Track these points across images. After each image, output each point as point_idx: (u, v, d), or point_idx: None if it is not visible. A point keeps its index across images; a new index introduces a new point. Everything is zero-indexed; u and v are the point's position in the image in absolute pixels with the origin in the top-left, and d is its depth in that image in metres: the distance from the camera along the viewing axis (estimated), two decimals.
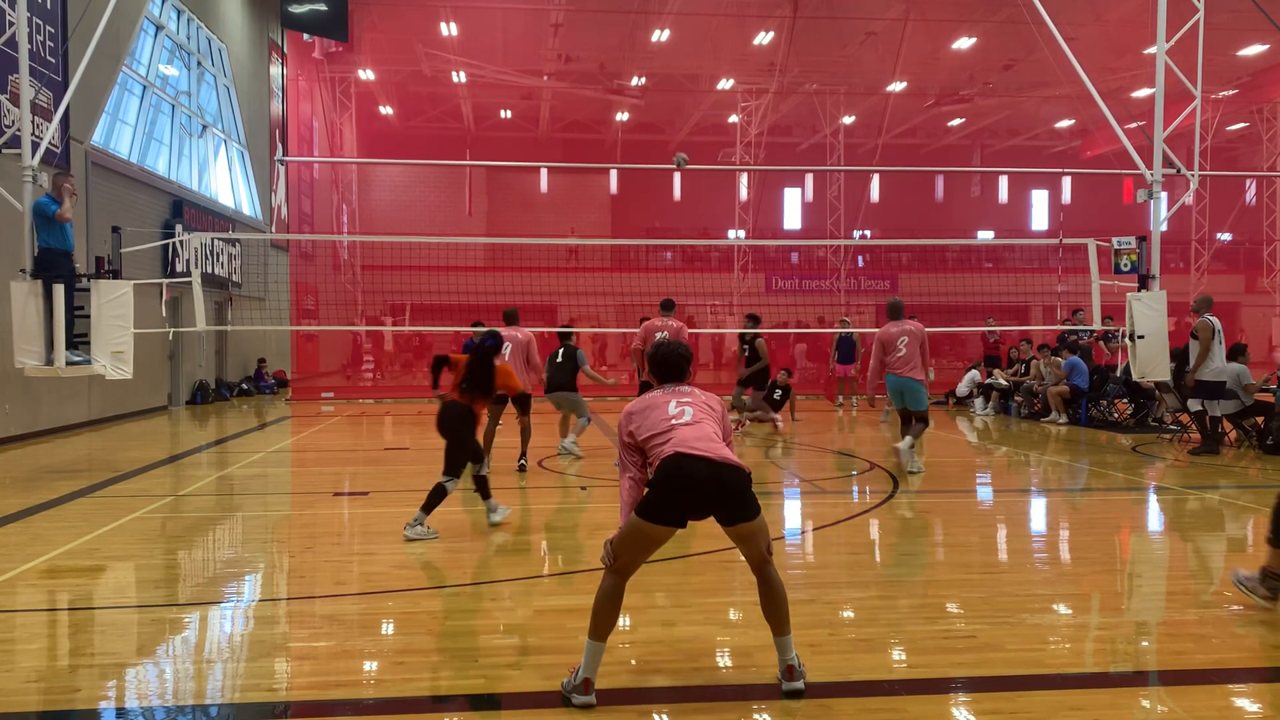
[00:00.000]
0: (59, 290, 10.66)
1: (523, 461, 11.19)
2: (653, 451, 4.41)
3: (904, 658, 4.90)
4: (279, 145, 26.38)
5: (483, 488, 8.04)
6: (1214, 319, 12.66)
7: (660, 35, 27.69)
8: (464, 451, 7.74)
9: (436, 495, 7.58)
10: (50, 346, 10.79)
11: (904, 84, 31.86)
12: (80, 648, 5.14)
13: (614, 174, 39.98)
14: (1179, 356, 13.12)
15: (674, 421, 4.45)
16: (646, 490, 4.36)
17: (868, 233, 37.05)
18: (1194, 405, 13.08)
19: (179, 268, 19.12)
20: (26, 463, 12.17)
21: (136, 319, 11.73)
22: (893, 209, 39.46)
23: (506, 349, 10.92)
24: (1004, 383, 19.07)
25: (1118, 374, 15.96)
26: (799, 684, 4.32)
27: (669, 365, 4.69)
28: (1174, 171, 12.84)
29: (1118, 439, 14.51)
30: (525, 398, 10.97)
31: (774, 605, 4.39)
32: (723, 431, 4.60)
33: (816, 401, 22.40)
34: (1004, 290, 27.60)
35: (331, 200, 34.63)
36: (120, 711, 4.29)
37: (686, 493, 4.24)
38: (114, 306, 11.35)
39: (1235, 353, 13.26)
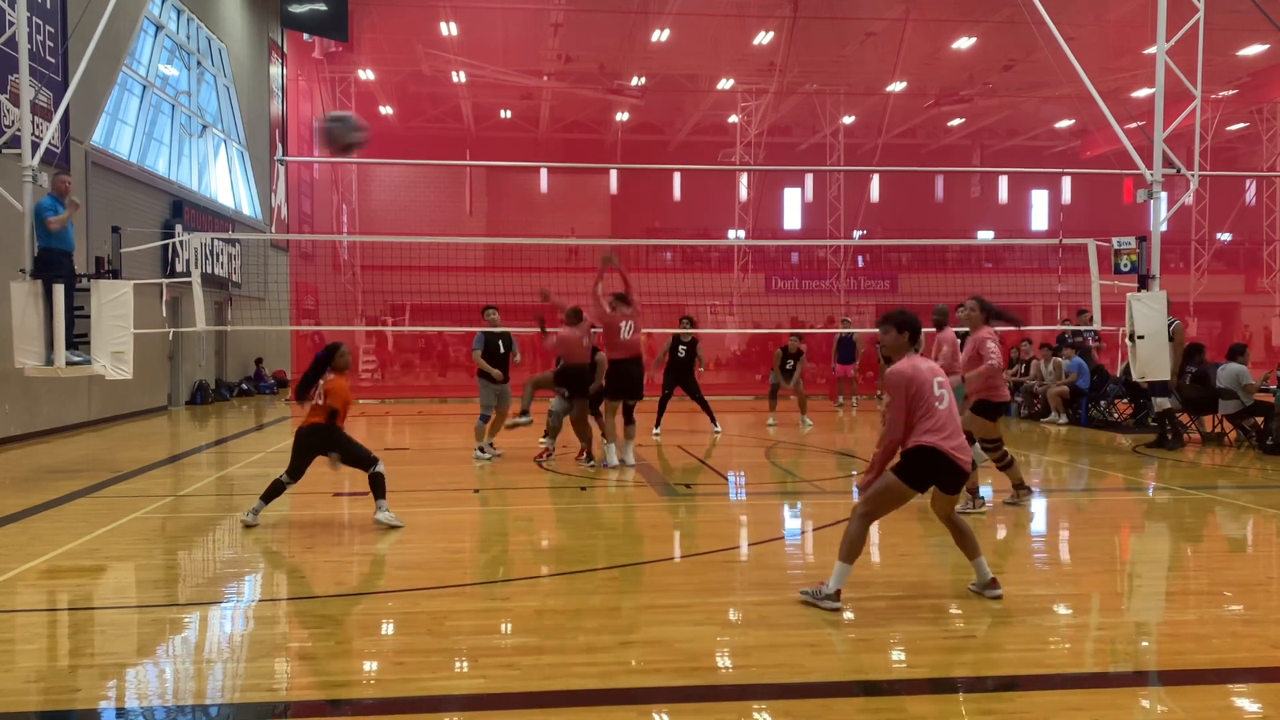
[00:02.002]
0: (59, 290, 10.66)
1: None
2: (918, 426, 5.52)
3: (904, 658, 4.90)
4: (279, 145, 26.38)
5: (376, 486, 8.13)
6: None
7: (660, 35, 27.69)
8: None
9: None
10: (50, 347, 10.78)
11: (904, 84, 31.86)
12: (80, 648, 5.14)
13: (614, 174, 39.98)
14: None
15: (937, 405, 5.55)
16: (902, 458, 5.58)
17: (866, 232, 37.04)
18: (1162, 403, 13.25)
19: (179, 268, 19.12)
20: (26, 463, 12.17)
21: (136, 319, 11.73)
22: (892, 209, 39.45)
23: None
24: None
25: (1118, 374, 15.96)
26: (999, 591, 5.77)
27: (919, 328, 5.74)
28: (1174, 171, 12.83)
29: (1117, 439, 14.51)
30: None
31: (966, 540, 5.88)
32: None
33: (818, 402, 22.39)
34: (1004, 290, 27.57)
35: (331, 200, 34.63)
36: (120, 711, 4.29)
37: (938, 478, 5.60)
38: (114, 306, 11.35)
39: (1234, 353, 13.27)
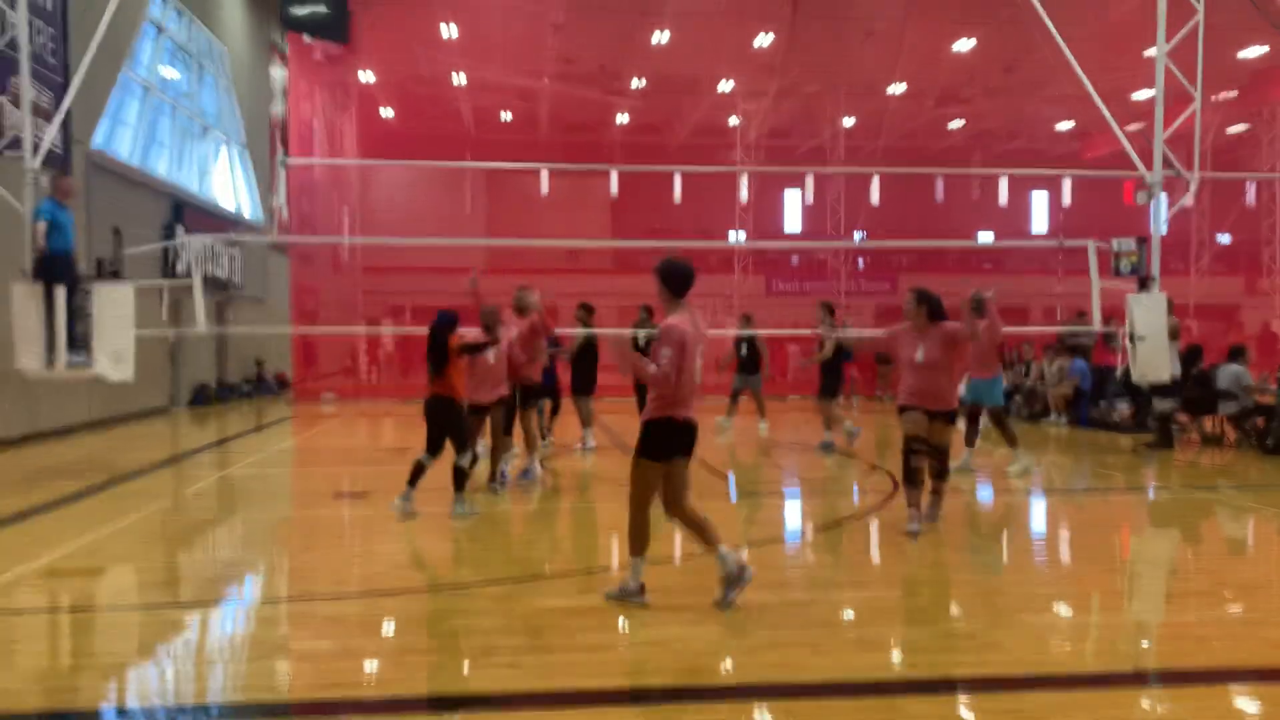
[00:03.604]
0: (59, 292, 10.67)
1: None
2: (666, 394, 5.49)
3: (904, 658, 4.90)
4: (280, 147, 26.39)
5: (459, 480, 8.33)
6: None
7: (660, 37, 27.70)
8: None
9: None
10: (51, 348, 10.78)
11: (904, 86, 31.86)
12: (80, 648, 5.15)
13: (614, 176, 39.95)
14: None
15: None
16: (641, 434, 5.57)
17: (867, 235, 37.03)
18: (1161, 405, 13.27)
19: (180, 270, 19.11)
20: (26, 463, 12.17)
21: (137, 320, 11.72)
22: (893, 211, 39.40)
23: None
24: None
25: (1118, 375, 15.96)
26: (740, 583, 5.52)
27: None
28: (1174, 173, 12.84)
29: (1118, 440, 14.51)
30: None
31: (706, 532, 5.63)
32: None
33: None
34: (1004, 291, 27.52)
35: (332, 202, 34.64)
36: (120, 711, 4.29)
37: (678, 446, 5.59)
38: (115, 308, 11.35)
39: (1235, 354, 13.27)
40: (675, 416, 5.50)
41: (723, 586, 5.50)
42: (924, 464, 7.63)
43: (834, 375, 13.49)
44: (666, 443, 5.52)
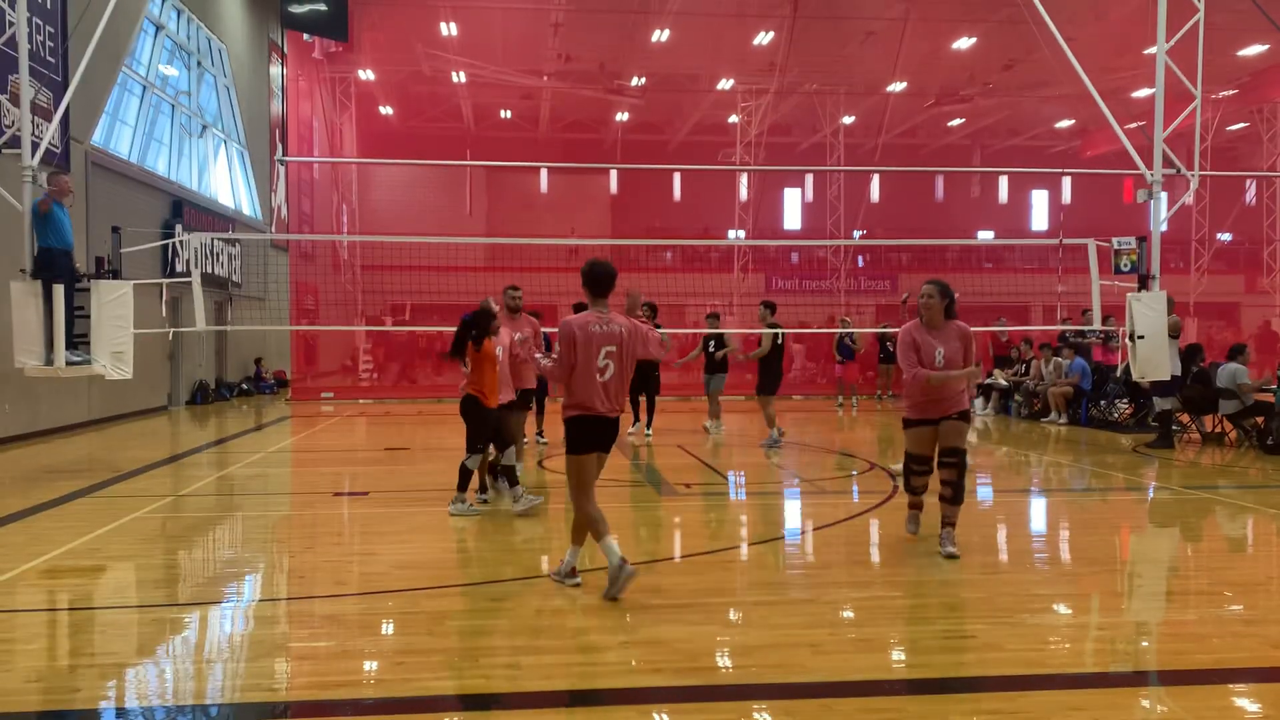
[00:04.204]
0: (59, 290, 10.65)
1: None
2: (576, 390, 5.77)
3: (904, 658, 4.90)
4: (279, 145, 26.35)
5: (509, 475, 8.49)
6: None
7: (660, 35, 27.67)
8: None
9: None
10: (50, 346, 10.78)
11: (904, 84, 31.84)
12: (80, 648, 5.14)
13: (614, 174, 39.94)
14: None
15: (597, 377, 5.75)
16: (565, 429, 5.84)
17: (867, 233, 37.03)
18: (1163, 403, 13.27)
19: (179, 268, 19.10)
20: (26, 463, 12.17)
21: (136, 319, 11.72)
22: (893, 209, 39.40)
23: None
24: (1004, 383, 19.06)
25: (1118, 374, 15.96)
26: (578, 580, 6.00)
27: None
28: (1174, 172, 12.83)
29: (1118, 439, 14.51)
30: None
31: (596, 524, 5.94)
32: None
33: (818, 402, 22.41)
34: (1004, 290, 27.56)
35: (331, 200, 34.61)
36: (120, 711, 4.29)
37: (597, 440, 5.93)
38: (114, 306, 11.34)
39: (1234, 353, 13.27)
40: (587, 414, 5.76)
41: (609, 580, 5.75)
42: (924, 482, 7.20)
43: (771, 373, 13.61)
44: (583, 439, 5.81)
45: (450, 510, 8.40)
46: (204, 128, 23.11)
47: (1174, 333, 12.69)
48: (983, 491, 10.28)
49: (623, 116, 35.94)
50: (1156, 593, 6.44)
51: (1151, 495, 10.11)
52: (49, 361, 10.82)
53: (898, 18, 27.01)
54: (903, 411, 7.22)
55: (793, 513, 9.19)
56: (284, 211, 28.47)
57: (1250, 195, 36.84)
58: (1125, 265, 13.00)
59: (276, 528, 8.33)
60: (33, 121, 12.21)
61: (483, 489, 9.12)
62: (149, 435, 15.54)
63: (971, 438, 15.44)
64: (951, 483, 6.89)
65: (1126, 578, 6.74)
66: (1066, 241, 18.49)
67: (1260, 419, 13.08)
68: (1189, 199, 13.67)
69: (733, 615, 5.60)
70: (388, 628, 5.37)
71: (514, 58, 29.90)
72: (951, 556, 6.76)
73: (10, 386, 13.59)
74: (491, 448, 8.86)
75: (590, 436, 5.81)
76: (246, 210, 25.86)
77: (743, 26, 27.64)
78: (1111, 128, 12.99)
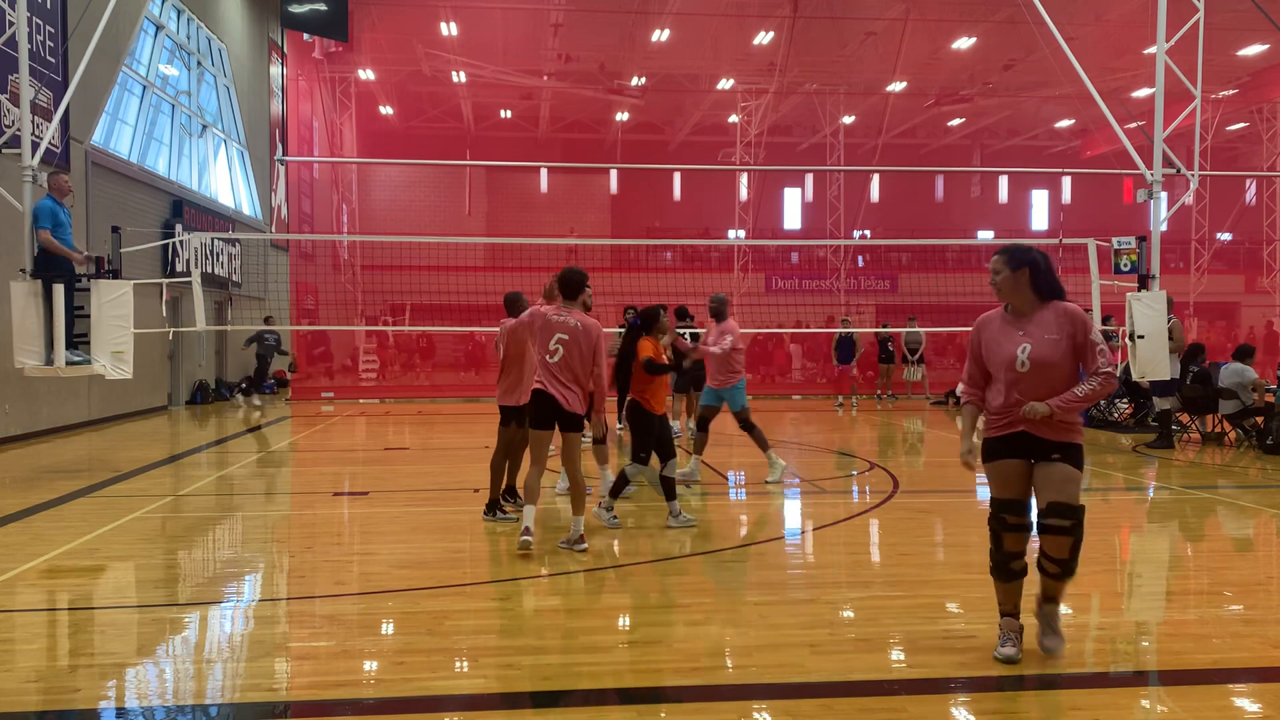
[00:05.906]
0: (59, 290, 10.66)
1: None
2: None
3: (904, 658, 4.90)
4: (279, 145, 26.34)
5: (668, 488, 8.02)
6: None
7: (660, 35, 27.68)
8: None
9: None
10: (50, 346, 10.78)
11: (904, 84, 31.84)
12: (80, 648, 5.14)
13: (614, 174, 39.94)
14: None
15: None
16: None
17: (867, 232, 37.04)
18: (1162, 404, 13.29)
19: (179, 268, 19.11)
20: (26, 463, 12.17)
21: (136, 319, 11.72)
22: (893, 209, 39.42)
23: None
24: None
25: (1117, 374, 15.97)
26: (585, 546, 7.06)
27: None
28: (1174, 171, 12.83)
29: (1118, 439, 14.51)
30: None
31: (576, 495, 7.21)
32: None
33: (818, 402, 22.40)
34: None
35: (331, 200, 34.61)
36: (120, 711, 4.29)
37: (552, 418, 7.00)
38: (114, 306, 11.34)
39: (1242, 354, 13.26)
40: (539, 388, 6.97)
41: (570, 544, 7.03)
42: (1021, 548, 4.72)
43: (685, 373, 12.88)
44: (541, 414, 7.02)
45: (669, 525, 7.87)
46: (204, 127, 23.11)
47: (1175, 337, 12.68)
48: (983, 491, 10.29)
49: (623, 116, 35.94)
50: (1156, 593, 6.44)
51: (1151, 495, 10.11)
52: (49, 361, 10.82)
53: (898, 18, 27.02)
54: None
55: (792, 513, 9.19)
56: (284, 211, 28.47)
57: (1250, 195, 36.84)
58: (1125, 265, 13.01)
59: (276, 528, 8.33)
60: (33, 121, 12.22)
61: (510, 493, 8.66)
62: (149, 435, 15.54)
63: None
64: (1059, 561, 4.63)
65: (1126, 578, 6.74)
66: (1066, 241, 18.48)
67: (1260, 419, 13.08)
68: (1189, 199, 13.71)
69: (732, 615, 5.60)
70: (388, 628, 5.37)
71: (514, 58, 29.90)
72: (1050, 651, 4.72)
73: (10, 386, 13.59)
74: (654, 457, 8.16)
75: (536, 409, 7.00)
76: (246, 210, 25.86)
77: (742, 26, 27.65)
78: (1111, 128, 13.00)
